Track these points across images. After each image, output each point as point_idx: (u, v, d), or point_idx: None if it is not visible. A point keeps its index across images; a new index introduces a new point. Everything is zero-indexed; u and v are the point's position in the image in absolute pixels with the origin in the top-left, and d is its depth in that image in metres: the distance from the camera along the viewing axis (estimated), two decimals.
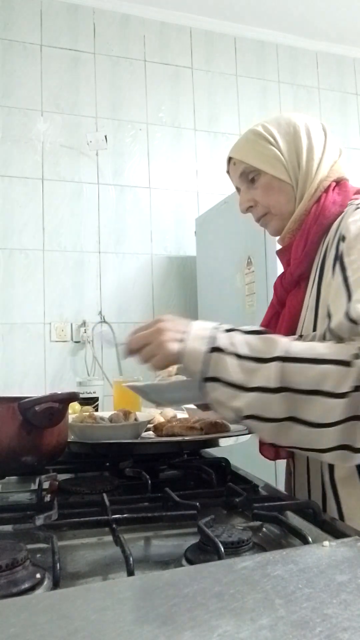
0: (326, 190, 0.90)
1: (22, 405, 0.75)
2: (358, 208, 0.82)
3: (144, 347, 0.75)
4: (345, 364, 0.64)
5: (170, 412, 1.24)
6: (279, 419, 0.66)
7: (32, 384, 2.53)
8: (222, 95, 3.07)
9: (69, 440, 0.89)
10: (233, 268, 2.31)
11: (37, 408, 0.75)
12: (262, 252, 2.07)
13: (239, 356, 0.69)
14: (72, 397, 0.81)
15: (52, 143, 2.70)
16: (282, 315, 0.93)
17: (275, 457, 0.96)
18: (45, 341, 2.60)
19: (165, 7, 2.92)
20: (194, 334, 0.72)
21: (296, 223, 0.92)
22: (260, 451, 0.98)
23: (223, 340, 0.71)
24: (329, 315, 0.75)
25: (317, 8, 2.95)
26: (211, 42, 3.07)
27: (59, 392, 0.80)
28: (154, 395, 0.89)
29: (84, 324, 2.64)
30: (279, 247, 0.99)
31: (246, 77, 3.13)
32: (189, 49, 3.02)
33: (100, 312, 2.69)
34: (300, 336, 0.84)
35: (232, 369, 0.68)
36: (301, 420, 0.66)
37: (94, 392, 2.26)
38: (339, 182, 0.91)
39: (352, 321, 0.68)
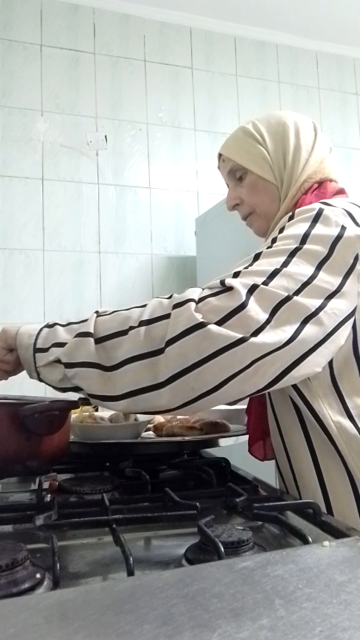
0: (306, 192, 0.89)
1: (21, 412, 0.75)
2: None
3: None
4: (143, 305, 0.73)
5: None
6: (98, 364, 0.70)
7: (32, 384, 2.52)
8: (222, 95, 3.07)
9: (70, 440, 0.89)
10: (233, 268, 2.31)
11: (36, 415, 0.75)
12: None
13: (69, 324, 0.77)
14: (72, 405, 0.81)
15: (52, 143, 2.70)
16: None
17: (264, 457, 0.96)
18: None
19: (165, 7, 2.92)
20: (30, 324, 0.80)
21: (277, 224, 0.91)
22: (250, 451, 0.98)
23: (56, 320, 0.79)
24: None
25: (317, 8, 2.95)
26: (211, 42, 3.07)
27: (60, 399, 0.79)
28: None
29: None
30: None
31: (246, 77, 3.13)
32: (189, 49, 3.02)
33: None
34: None
35: (60, 334, 0.75)
36: (119, 363, 0.69)
37: None
38: (321, 183, 0.91)
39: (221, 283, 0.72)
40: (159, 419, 1.16)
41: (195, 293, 0.70)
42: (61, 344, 0.74)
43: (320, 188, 0.90)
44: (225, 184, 1.02)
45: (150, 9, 2.91)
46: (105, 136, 2.77)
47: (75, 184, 2.72)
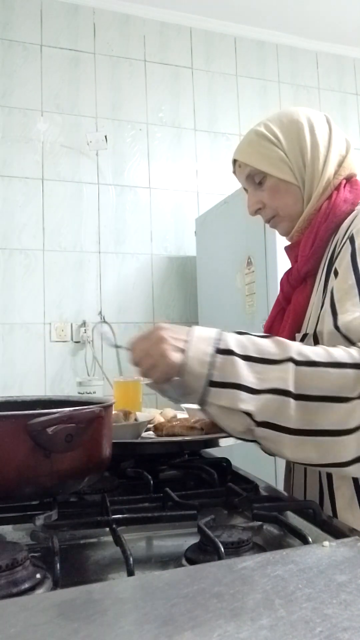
0: (337, 188, 0.88)
1: (29, 428, 0.61)
2: None
3: (145, 359, 0.71)
4: (352, 365, 0.63)
5: (170, 412, 1.24)
6: (295, 429, 0.63)
7: (32, 384, 2.53)
8: (222, 95, 3.07)
9: None
10: (233, 268, 2.31)
11: (49, 430, 0.61)
12: (262, 252, 2.07)
13: (248, 357, 0.65)
14: (97, 414, 0.66)
15: (52, 143, 2.70)
16: (287, 312, 0.92)
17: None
18: (45, 341, 2.59)
19: (165, 7, 2.92)
20: (197, 337, 0.68)
21: (305, 222, 0.90)
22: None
23: (229, 341, 0.66)
24: (334, 314, 0.74)
25: (317, 8, 2.95)
26: (211, 42, 3.07)
27: (83, 406, 0.67)
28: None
29: (84, 324, 2.64)
30: (287, 243, 0.99)
31: (246, 77, 3.13)
32: (189, 49, 3.02)
33: (100, 312, 2.69)
34: (306, 334, 0.84)
35: (242, 371, 0.64)
36: (319, 431, 0.63)
37: (94, 392, 2.26)
38: (350, 179, 0.90)
39: None
40: (159, 418, 1.16)
41: None
42: (246, 389, 0.64)
43: (352, 184, 0.89)
44: (243, 188, 1.00)
45: (150, 9, 2.91)
46: (105, 136, 2.77)
47: (75, 184, 2.72)
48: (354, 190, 0.88)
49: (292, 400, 0.63)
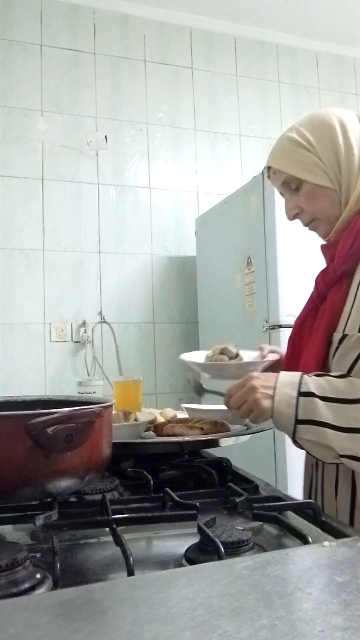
0: None
1: (29, 428, 0.61)
2: None
3: (242, 405, 0.85)
4: None
5: (170, 412, 1.24)
6: None
7: (32, 384, 2.53)
8: (222, 95, 3.07)
9: None
10: (233, 268, 2.31)
11: (49, 430, 0.61)
12: (262, 252, 2.07)
13: (327, 398, 0.78)
14: (97, 413, 0.65)
15: (52, 143, 2.70)
16: (321, 310, 0.92)
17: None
18: (45, 341, 2.59)
19: (165, 7, 2.92)
20: (282, 382, 0.81)
21: (344, 224, 0.91)
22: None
23: (309, 384, 0.80)
24: None
25: (317, 8, 2.95)
26: (211, 42, 3.07)
27: (84, 406, 0.67)
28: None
29: (84, 324, 2.64)
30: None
31: (246, 77, 3.13)
32: (189, 49, 3.02)
33: (100, 312, 2.69)
34: (345, 335, 0.85)
35: (322, 410, 0.77)
36: None
37: (94, 392, 2.26)
38: None
39: None
40: (159, 418, 1.16)
41: None
42: (328, 425, 0.78)
43: None
44: (279, 193, 1.00)
45: (150, 9, 2.91)
46: (105, 136, 2.77)
47: (75, 184, 2.72)
48: None
49: None
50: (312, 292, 0.98)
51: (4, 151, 2.62)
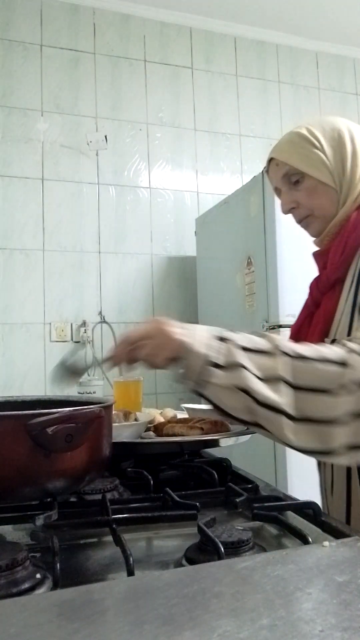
0: None
1: (29, 428, 0.61)
2: None
3: (148, 341, 0.73)
4: (342, 362, 0.68)
5: (170, 412, 1.24)
6: (293, 415, 0.67)
7: (32, 384, 2.53)
8: (222, 95, 3.07)
9: None
10: (233, 268, 2.31)
11: (49, 430, 0.61)
12: (262, 252, 2.07)
13: (246, 348, 0.70)
14: (97, 413, 0.65)
15: (52, 143, 2.70)
16: (316, 316, 0.94)
17: None
18: (45, 341, 2.59)
19: (165, 7, 2.92)
20: (198, 328, 0.73)
21: (336, 227, 0.93)
22: None
23: (227, 333, 0.72)
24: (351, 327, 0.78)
25: (317, 8, 2.95)
26: (211, 42, 3.07)
27: (83, 405, 0.67)
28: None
29: (84, 324, 2.64)
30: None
31: (246, 77, 3.13)
32: (189, 49, 3.02)
33: (100, 312, 2.69)
34: (334, 340, 0.85)
35: (242, 356, 0.69)
36: (312, 419, 0.67)
37: (94, 392, 2.26)
38: None
39: None
40: (159, 418, 1.16)
41: None
42: (250, 371, 0.68)
43: None
44: (274, 188, 1.01)
45: (150, 9, 2.91)
46: (105, 136, 2.77)
47: (75, 184, 2.72)
48: None
49: (290, 389, 0.68)
50: (307, 299, 1.00)
51: (4, 151, 2.62)
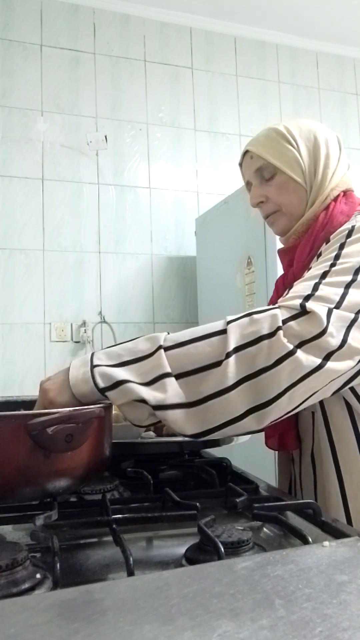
0: (335, 200, 0.93)
1: (29, 428, 0.61)
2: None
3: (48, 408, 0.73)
4: (222, 332, 0.70)
5: None
6: (186, 402, 0.68)
7: (32, 384, 2.52)
8: (222, 95, 3.07)
9: None
10: (233, 268, 2.31)
11: (49, 430, 0.61)
12: (262, 252, 2.07)
13: (123, 363, 0.70)
14: (96, 413, 0.66)
15: (52, 143, 2.70)
16: None
17: (279, 447, 0.97)
18: (45, 341, 2.59)
19: (165, 7, 2.92)
20: (73, 367, 0.72)
21: (303, 226, 0.94)
22: (266, 443, 0.99)
23: (100, 356, 0.71)
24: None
25: (317, 8, 2.95)
26: (211, 42, 3.07)
27: (76, 409, 0.66)
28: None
29: (84, 324, 2.64)
30: (280, 245, 1.02)
31: (246, 77, 3.13)
32: (189, 49, 3.02)
33: (100, 312, 2.69)
34: None
35: (119, 372, 0.69)
36: (207, 397, 0.68)
37: None
38: (346, 193, 0.95)
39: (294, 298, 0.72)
40: None
41: (277, 317, 0.70)
42: (132, 382, 0.69)
43: (348, 197, 0.95)
44: (245, 182, 1.03)
45: (150, 9, 2.91)
46: (105, 136, 2.77)
47: (75, 184, 2.72)
48: (349, 203, 0.93)
49: (173, 379, 0.69)
50: (272, 296, 1.02)
51: (4, 151, 2.62)
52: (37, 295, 2.60)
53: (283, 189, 0.95)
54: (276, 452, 1.03)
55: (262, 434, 1.11)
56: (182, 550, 0.61)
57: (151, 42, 2.95)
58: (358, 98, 3.38)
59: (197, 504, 0.69)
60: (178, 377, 0.69)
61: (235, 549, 0.58)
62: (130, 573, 0.52)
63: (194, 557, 0.58)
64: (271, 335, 0.68)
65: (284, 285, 0.97)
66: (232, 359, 0.68)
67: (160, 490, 0.78)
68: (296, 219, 0.95)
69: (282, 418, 0.72)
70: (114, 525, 0.63)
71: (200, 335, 0.71)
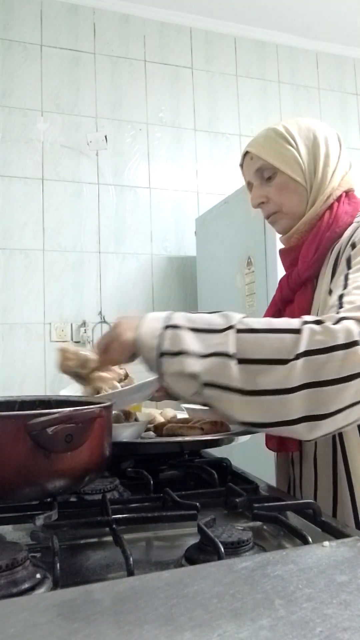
0: (338, 200, 0.93)
1: (29, 428, 0.61)
2: None
3: (102, 342, 0.80)
4: (296, 331, 0.67)
5: (170, 412, 1.24)
6: (239, 389, 0.67)
7: (32, 384, 2.53)
8: (222, 95, 3.07)
9: None
10: (233, 268, 2.31)
11: (49, 430, 0.61)
12: (262, 252, 2.07)
13: (195, 329, 0.71)
14: (97, 413, 0.66)
15: (52, 143, 2.70)
16: (289, 312, 0.95)
17: (278, 449, 0.97)
18: (45, 341, 2.59)
19: (165, 7, 2.92)
20: (150, 318, 0.74)
21: (306, 225, 0.94)
22: (266, 444, 0.99)
23: (179, 319, 0.72)
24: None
25: (317, 8, 2.95)
26: (211, 42, 3.07)
27: (83, 405, 0.67)
28: (118, 401, 0.90)
29: (84, 324, 2.64)
30: (281, 246, 1.02)
31: (246, 77, 3.13)
32: (189, 49, 3.02)
33: (100, 312, 2.69)
34: None
35: (189, 341, 0.70)
36: (262, 391, 0.67)
37: None
38: (348, 193, 0.95)
39: (340, 305, 0.71)
40: (159, 418, 1.16)
41: (352, 332, 0.66)
42: (192, 354, 0.69)
43: (351, 197, 0.95)
44: (246, 182, 1.02)
45: (150, 9, 2.91)
46: (105, 136, 2.77)
47: (75, 184, 2.72)
48: (352, 203, 0.93)
49: (233, 362, 0.67)
50: (275, 296, 1.01)
51: (4, 151, 2.62)
52: (37, 295, 2.60)
53: (283, 189, 0.95)
54: (275, 453, 1.03)
55: (262, 434, 1.11)
56: (182, 550, 0.61)
57: (151, 42, 2.95)
58: (358, 98, 3.38)
59: (197, 503, 0.69)
60: (240, 361, 0.67)
61: (235, 549, 0.58)
62: (130, 573, 0.52)
63: (193, 557, 0.58)
64: (347, 346, 0.65)
65: (288, 285, 0.97)
66: (300, 361, 0.65)
67: (160, 490, 0.78)
68: (297, 218, 0.95)
69: (331, 434, 0.70)
70: (114, 525, 0.63)
71: (275, 327, 0.69)
